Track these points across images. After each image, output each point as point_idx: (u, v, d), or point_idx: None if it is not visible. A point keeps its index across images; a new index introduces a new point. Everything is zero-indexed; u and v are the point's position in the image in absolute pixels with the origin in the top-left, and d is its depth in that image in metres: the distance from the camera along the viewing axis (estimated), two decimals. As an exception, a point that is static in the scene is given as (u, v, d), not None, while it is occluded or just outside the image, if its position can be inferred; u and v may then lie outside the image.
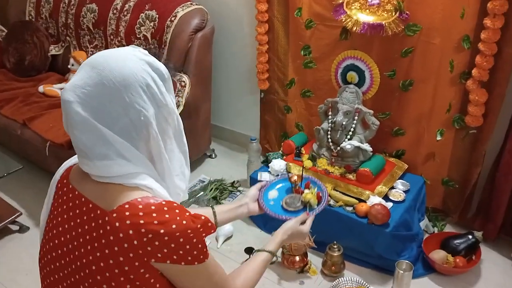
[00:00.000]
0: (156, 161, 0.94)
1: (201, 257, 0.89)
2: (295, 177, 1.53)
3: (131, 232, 0.82)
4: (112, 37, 2.82)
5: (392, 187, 2.08)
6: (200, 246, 0.88)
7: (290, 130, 2.64)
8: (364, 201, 1.98)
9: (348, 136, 2.08)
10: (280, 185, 1.56)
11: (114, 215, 0.84)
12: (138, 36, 2.66)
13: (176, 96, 2.31)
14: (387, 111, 2.17)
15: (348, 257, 2.02)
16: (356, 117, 2.05)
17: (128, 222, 0.83)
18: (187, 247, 0.86)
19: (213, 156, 2.96)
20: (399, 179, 2.14)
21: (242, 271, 1.14)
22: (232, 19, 2.70)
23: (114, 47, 2.89)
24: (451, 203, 2.21)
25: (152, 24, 2.58)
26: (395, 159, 2.23)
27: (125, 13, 2.73)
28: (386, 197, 2.01)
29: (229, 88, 2.97)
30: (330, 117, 2.13)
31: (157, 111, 0.90)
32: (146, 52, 0.97)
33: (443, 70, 1.96)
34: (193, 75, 2.47)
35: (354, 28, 1.98)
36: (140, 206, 0.85)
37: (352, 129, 2.07)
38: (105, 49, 2.99)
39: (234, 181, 2.62)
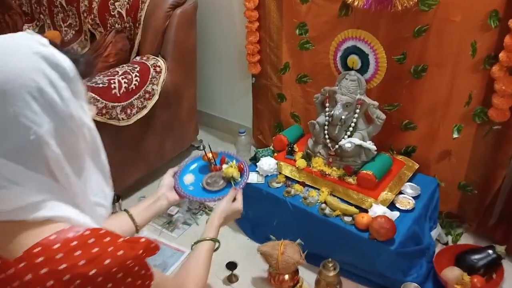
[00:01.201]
0: (64, 184, 0.71)
1: (146, 283, 0.75)
2: (209, 155, 1.43)
3: (51, 283, 0.63)
4: (85, 14, 2.50)
5: (400, 192, 1.77)
6: (143, 272, 0.74)
7: (285, 121, 2.33)
8: (366, 211, 1.67)
9: (348, 132, 1.76)
10: (194, 165, 1.46)
11: (22, 264, 0.64)
12: (112, 13, 2.34)
13: (149, 83, 2.00)
14: (395, 102, 1.84)
15: (346, 273, 1.74)
16: (357, 110, 1.73)
17: (44, 270, 0.63)
18: (129, 280, 0.70)
19: (201, 148, 2.67)
20: (408, 181, 1.82)
21: (189, 270, 1.10)
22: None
23: (88, 26, 2.59)
24: (469, 209, 1.89)
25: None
26: (404, 157, 1.91)
27: (99, -13, 2.40)
28: (392, 205, 1.71)
29: (218, 72, 2.65)
30: (327, 109, 1.81)
31: (58, 125, 0.68)
32: (46, 41, 0.71)
33: (464, 53, 1.61)
34: (172, 58, 2.16)
35: (356, 3, 1.64)
36: (57, 246, 0.66)
37: (353, 124, 1.75)
38: (79, 29, 2.69)
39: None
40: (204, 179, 1.39)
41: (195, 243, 1.20)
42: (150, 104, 2.01)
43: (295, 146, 1.94)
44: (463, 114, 1.70)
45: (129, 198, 2.27)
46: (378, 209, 1.65)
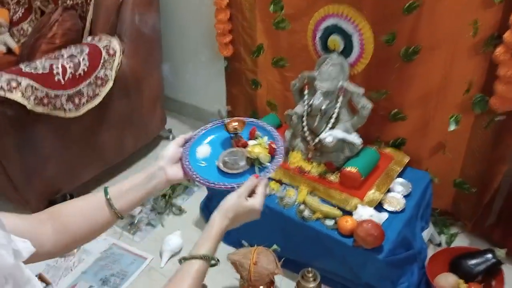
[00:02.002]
0: None
1: None
2: (235, 123, 1.03)
3: None
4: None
5: (389, 190, 1.56)
6: None
7: (261, 109, 2.10)
8: (350, 213, 1.47)
9: (330, 124, 1.53)
10: (212, 136, 1.06)
11: None
12: (74, 2, 2.04)
13: (101, 68, 1.73)
14: (383, 89, 1.61)
15: (328, 282, 1.54)
16: (340, 99, 1.50)
17: None
18: None
19: (171, 138, 2.43)
20: (397, 176, 1.61)
21: None
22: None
23: (37, 4, 2.28)
24: (465, 207, 1.71)
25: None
26: (392, 150, 1.70)
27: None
28: (380, 205, 1.51)
29: (187, 55, 2.39)
30: (306, 97, 1.58)
31: None
32: None
33: (462, 33, 1.39)
34: (129, 40, 1.89)
35: (338, -27, 1.40)
36: None
37: (334, 115, 1.52)
38: (28, 6, 2.39)
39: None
40: (222, 156, 1.00)
41: (183, 259, 0.86)
42: (103, 92, 1.75)
43: (270, 139, 1.70)
44: (461, 103, 1.49)
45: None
46: (364, 212, 1.44)
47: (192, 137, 1.02)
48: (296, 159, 1.62)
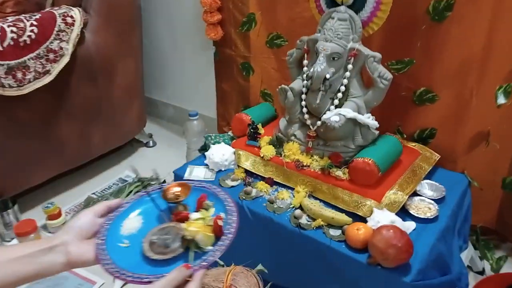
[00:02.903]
0: None
1: None
2: (176, 189, 0.79)
3: None
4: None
5: (415, 193, 1.17)
6: None
7: (255, 102, 1.75)
8: (364, 220, 1.07)
9: (336, 101, 1.16)
10: (148, 206, 0.80)
11: None
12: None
13: (54, 39, 1.40)
14: (405, 58, 1.24)
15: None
16: (350, 66, 1.13)
17: None
18: None
19: (150, 144, 2.06)
20: (425, 178, 1.22)
21: None
22: None
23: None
24: (515, 221, 1.29)
25: None
26: (419, 145, 1.31)
27: None
28: (403, 211, 1.10)
29: (171, 41, 2.07)
30: (305, 69, 1.22)
31: None
32: None
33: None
34: (97, 14, 1.58)
35: None
36: None
37: (342, 88, 1.15)
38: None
39: (164, 181, 1.71)
40: (150, 234, 0.74)
41: None
42: (56, 68, 1.42)
43: (259, 126, 1.33)
44: (511, 71, 1.11)
45: (32, 203, 1.66)
46: (382, 218, 1.04)
47: (120, 204, 0.78)
48: (292, 151, 1.23)
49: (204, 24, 1.73)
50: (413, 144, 1.32)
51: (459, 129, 1.26)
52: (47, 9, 1.47)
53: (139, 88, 1.88)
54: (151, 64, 2.06)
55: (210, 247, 0.71)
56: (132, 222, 0.77)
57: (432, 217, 1.10)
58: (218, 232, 0.72)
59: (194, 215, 0.75)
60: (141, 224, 0.77)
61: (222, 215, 0.75)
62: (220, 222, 0.72)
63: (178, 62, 2.07)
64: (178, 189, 0.79)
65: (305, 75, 1.21)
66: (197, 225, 0.72)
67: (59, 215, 1.53)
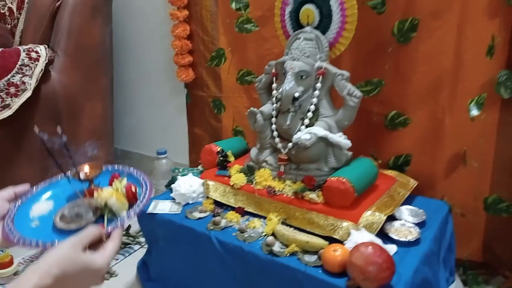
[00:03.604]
0: None
1: None
2: (87, 169, 0.81)
3: None
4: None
5: (394, 219, 1.09)
6: None
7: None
8: (340, 242, 0.98)
9: (306, 120, 1.12)
10: (58, 190, 0.83)
11: None
12: (2, 10, 1.77)
13: (17, 72, 1.36)
14: (373, 78, 1.23)
15: None
16: (318, 85, 1.11)
17: None
18: None
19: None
20: (403, 204, 1.15)
21: None
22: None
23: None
24: (504, 249, 1.21)
25: (19, -11, 1.71)
26: (395, 172, 1.26)
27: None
28: (383, 235, 1.02)
29: (143, 89, 2.05)
30: (275, 92, 1.19)
31: None
32: None
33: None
34: (65, 53, 1.56)
35: None
36: None
37: (312, 108, 1.12)
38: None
39: (129, 226, 1.59)
40: (61, 210, 0.76)
41: None
42: (17, 102, 1.36)
43: (229, 154, 1.27)
44: (482, 80, 1.10)
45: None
46: (360, 238, 0.96)
47: (28, 191, 0.81)
48: (264, 177, 1.16)
49: (175, 66, 1.72)
50: (390, 171, 1.27)
51: (435, 152, 1.22)
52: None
53: (108, 133, 1.82)
54: (120, 109, 2.02)
55: (123, 212, 0.73)
56: (43, 205, 0.78)
57: (413, 239, 1.02)
58: (132, 199, 0.74)
59: (106, 188, 0.76)
60: (52, 207, 0.78)
61: (132, 183, 0.78)
62: (133, 188, 0.75)
63: (148, 106, 2.04)
64: (88, 169, 0.81)
65: (274, 98, 1.18)
66: (106, 193, 0.73)
67: (10, 263, 1.38)
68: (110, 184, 0.80)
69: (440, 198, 1.24)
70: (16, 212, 0.75)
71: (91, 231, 0.66)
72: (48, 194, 0.82)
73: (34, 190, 0.81)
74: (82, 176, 0.79)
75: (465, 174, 1.19)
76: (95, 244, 0.66)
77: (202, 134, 1.82)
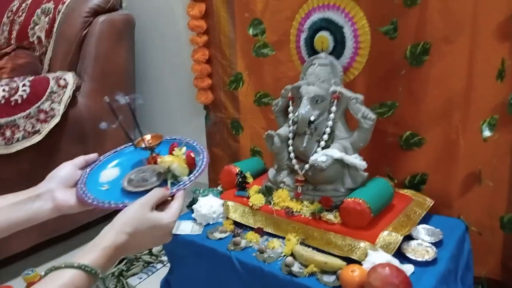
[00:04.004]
0: None
1: None
2: (148, 138, 0.85)
3: None
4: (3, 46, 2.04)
5: (411, 238, 1.11)
6: None
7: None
8: (358, 262, 1.00)
9: (322, 142, 1.16)
10: (123, 159, 0.88)
11: None
12: (31, 39, 1.87)
13: (46, 100, 1.44)
14: (387, 101, 1.27)
15: None
16: (333, 108, 1.15)
17: None
18: None
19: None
20: (420, 223, 1.17)
21: None
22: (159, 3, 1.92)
23: (4, 60, 2.11)
24: (522, 268, 1.21)
25: (47, 19, 1.80)
26: (411, 192, 1.28)
27: (20, 13, 1.98)
28: (400, 255, 1.04)
29: (163, 111, 2.11)
30: (291, 115, 1.23)
31: None
32: None
33: (483, 12, 1.09)
34: (91, 78, 1.64)
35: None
36: None
37: (328, 130, 1.15)
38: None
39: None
40: (128, 175, 0.82)
41: (52, 269, 0.61)
42: (46, 128, 1.43)
43: (247, 175, 1.31)
44: (493, 101, 1.12)
45: (12, 273, 1.57)
46: (378, 258, 0.98)
47: (96, 159, 0.86)
48: (282, 197, 1.20)
49: (195, 89, 1.78)
50: (405, 190, 1.29)
51: (450, 171, 1.24)
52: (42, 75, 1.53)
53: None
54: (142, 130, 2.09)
55: (185, 176, 0.78)
56: (110, 172, 0.84)
57: (430, 259, 1.04)
58: (191, 164, 0.79)
59: (167, 156, 0.81)
60: (119, 173, 0.83)
61: (191, 151, 0.82)
62: (192, 154, 0.80)
63: (169, 127, 2.10)
64: (149, 138, 0.85)
65: (291, 121, 1.22)
66: (169, 158, 0.79)
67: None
68: (170, 153, 0.84)
69: (457, 217, 1.25)
70: (88, 177, 0.81)
71: (157, 193, 0.72)
72: (114, 162, 0.88)
73: (101, 158, 0.88)
74: (144, 144, 0.83)
75: (481, 193, 1.20)
76: (161, 205, 0.73)
77: (221, 154, 1.86)
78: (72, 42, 1.61)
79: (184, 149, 0.83)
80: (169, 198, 0.74)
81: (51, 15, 1.77)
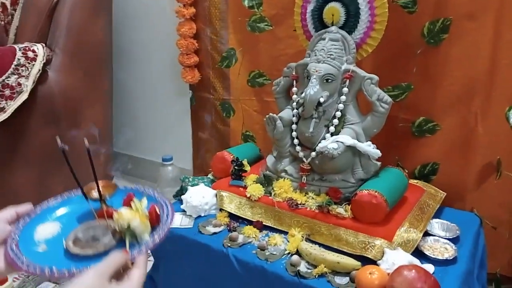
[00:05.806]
0: None
1: None
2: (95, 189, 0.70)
3: None
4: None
5: (426, 233, 1.01)
6: None
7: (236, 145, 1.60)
8: (374, 262, 0.90)
9: (332, 128, 1.03)
10: (66, 210, 0.73)
11: None
12: (-6, 6, 1.65)
13: (12, 73, 1.25)
14: (402, 82, 1.15)
15: None
16: (345, 89, 1.02)
17: None
18: None
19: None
20: (433, 218, 1.07)
21: None
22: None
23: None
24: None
25: (12, -17, 1.59)
26: (422, 182, 1.18)
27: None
28: (417, 253, 0.94)
29: (145, 90, 1.95)
30: (295, 96, 1.11)
31: None
32: None
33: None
34: (64, 52, 1.45)
35: None
36: None
37: (338, 114, 1.03)
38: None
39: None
40: (73, 232, 0.68)
41: None
42: (12, 106, 1.25)
43: (244, 163, 1.18)
44: None
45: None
46: (397, 259, 0.88)
47: (31, 210, 0.71)
48: (284, 188, 1.08)
49: (180, 67, 1.63)
50: (415, 181, 1.19)
51: (465, 162, 1.14)
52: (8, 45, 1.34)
53: (108, 137, 1.72)
54: (120, 111, 1.92)
55: (145, 236, 0.64)
56: (48, 227, 0.70)
57: (451, 258, 0.94)
58: (155, 221, 0.66)
59: (124, 209, 0.66)
60: (59, 229, 0.69)
61: (155, 204, 0.69)
62: (157, 209, 0.67)
63: (150, 109, 1.94)
64: (101, 186, 0.71)
65: (294, 103, 1.09)
66: (128, 214, 0.64)
67: (5, 280, 1.28)
68: (125, 205, 0.70)
69: (469, 210, 1.17)
70: (21, 234, 0.67)
71: (117, 258, 0.58)
72: (54, 214, 0.73)
73: (37, 209, 0.72)
74: (94, 195, 0.70)
75: (498, 185, 1.11)
76: (118, 273, 0.59)
77: (207, 138, 1.72)
78: (41, 10, 1.42)
79: (145, 201, 0.70)
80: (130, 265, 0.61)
81: (17, -21, 1.56)
